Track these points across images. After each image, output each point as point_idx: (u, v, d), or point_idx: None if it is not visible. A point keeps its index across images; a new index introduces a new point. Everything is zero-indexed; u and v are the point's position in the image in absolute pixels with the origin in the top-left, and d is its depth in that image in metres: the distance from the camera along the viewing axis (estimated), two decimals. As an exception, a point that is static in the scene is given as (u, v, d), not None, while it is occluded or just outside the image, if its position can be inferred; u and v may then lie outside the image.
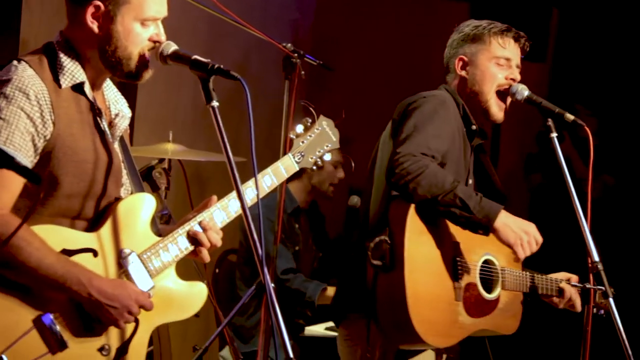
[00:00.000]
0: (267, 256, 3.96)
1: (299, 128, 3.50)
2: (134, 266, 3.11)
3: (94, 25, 3.11)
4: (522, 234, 3.85)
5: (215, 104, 3.01)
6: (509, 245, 3.87)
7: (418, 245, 3.86)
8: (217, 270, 5.93)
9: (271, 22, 6.99)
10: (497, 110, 4.15)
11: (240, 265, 5.82)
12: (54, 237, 2.98)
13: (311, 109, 3.55)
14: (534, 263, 4.20)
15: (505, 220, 3.84)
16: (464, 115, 4.15)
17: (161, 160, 4.82)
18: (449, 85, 4.20)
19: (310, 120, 3.53)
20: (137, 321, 3.09)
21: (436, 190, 3.78)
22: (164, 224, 4.73)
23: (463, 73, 4.16)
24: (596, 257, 3.85)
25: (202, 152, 5.31)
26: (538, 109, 4.10)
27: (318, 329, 5.86)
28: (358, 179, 4.97)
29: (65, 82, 3.10)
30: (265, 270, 2.89)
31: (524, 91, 4.10)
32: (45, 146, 3.03)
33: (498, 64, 4.13)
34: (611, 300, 3.80)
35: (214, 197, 3.31)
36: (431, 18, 7.90)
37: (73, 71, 3.12)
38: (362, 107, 7.17)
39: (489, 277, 4.09)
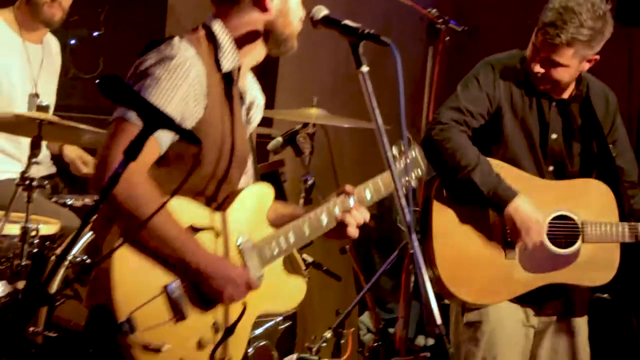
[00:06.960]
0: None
1: (394, 149, 3.44)
2: (249, 253, 3.16)
3: (272, 4, 3.14)
4: (523, 230, 4.04)
5: (365, 69, 2.99)
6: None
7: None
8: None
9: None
10: None
11: (374, 232, 5.82)
12: (186, 211, 3.03)
13: (408, 135, 3.55)
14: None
15: (514, 210, 4.04)
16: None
17: (305, 125, 4.84)
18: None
19: (403, 144, 3.40)
20: (244, 305, 3.13)
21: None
22: (307, 190, 4.78)
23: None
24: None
25: (342, 117, 5.31)
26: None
27: None
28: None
29: (227, 65, 3.13)
30: (414, 236, 2.85)
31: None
32: (192, 128, 3.04)
33: None
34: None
35: (349, 187, 3.34)
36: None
37: (234, 55, 3.14)
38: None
39: (564, 233, 4.14)
